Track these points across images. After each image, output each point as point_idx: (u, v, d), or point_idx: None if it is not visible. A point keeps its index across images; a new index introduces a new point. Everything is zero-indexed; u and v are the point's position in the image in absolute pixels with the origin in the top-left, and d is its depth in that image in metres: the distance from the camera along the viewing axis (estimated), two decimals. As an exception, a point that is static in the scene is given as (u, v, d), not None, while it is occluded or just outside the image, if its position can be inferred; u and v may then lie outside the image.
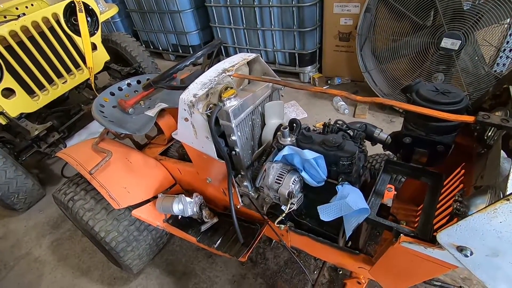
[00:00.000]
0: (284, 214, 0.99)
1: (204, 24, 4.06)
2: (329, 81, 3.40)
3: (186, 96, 1.06)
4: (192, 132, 1.14)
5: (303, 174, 0.98)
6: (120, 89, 1.86)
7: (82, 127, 2.91)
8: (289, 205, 0.97)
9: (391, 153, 1.20)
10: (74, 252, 2.10)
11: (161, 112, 1.73)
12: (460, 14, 2.12)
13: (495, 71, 2.40)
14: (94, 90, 2.78)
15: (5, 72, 2.17)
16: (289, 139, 1.06)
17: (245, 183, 1.25)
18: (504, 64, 2.45)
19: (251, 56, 1.24)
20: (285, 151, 0.99)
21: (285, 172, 1.01)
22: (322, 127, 1.17)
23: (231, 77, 1.15)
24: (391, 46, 2.57)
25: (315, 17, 3.12)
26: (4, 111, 2.27)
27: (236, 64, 1.18)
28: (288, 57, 3.48)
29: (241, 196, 1.33)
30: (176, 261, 1.90)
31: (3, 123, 2.42)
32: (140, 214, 1.51)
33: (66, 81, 2.61)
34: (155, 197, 1.59)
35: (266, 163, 1.02)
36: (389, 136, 1.09)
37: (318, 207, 0.91)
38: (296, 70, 3.49)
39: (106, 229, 1.49)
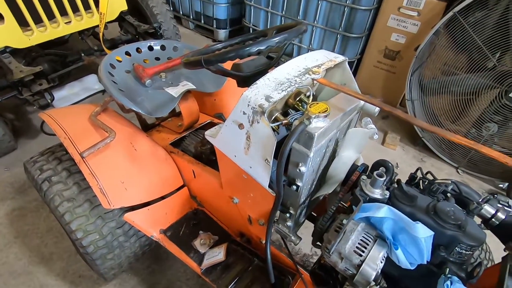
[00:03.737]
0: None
1: (237, -2, 3.63)
2: (359, 97, 3.10)
3: (254, 95, 0.72)
4: (242, 144, 0.81)
5: (398, 252, 0.67)
6: (139, 50, 1.47)
7: (76, 79, 2.47)
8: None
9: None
10: (38, 230, 1.73)
11: (185, 93, 1.37)
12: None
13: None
14: (101, 40, 2.34)
15: (-3, -8, 1.73)
16: (379, 191, 0.75)
17: (288, 223, 0.94)
18: None
19: (338, 58, 0.91)
20: (383, 213, 0.68)
21: (369, 239, 0.70)
22: None
23: (315, 81, 0.82)
24: (441, 78, 2.29)
25: (365, 24, 2.79)
26: (-15, 39, 1.83)
27: (322, 64, 0.85)
28: (322, 60, 3.14)
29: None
30: (160, 272, 1.57)
31: (-17, 52, 1.98)
32: (134, 219, 1.17)
33: (70, 21, 2.17)
34: (154, 200, 1.25)
35: (348, 221, 0.70)
36: (502, 218, 0.79)
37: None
38: (327, 76, 3.16)
39: (86, 229, 1.14)
